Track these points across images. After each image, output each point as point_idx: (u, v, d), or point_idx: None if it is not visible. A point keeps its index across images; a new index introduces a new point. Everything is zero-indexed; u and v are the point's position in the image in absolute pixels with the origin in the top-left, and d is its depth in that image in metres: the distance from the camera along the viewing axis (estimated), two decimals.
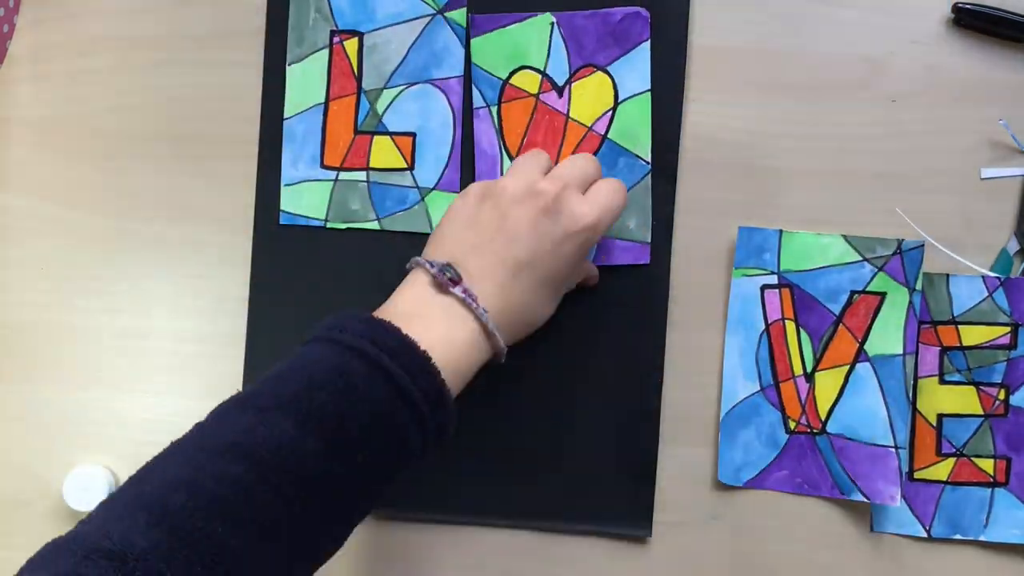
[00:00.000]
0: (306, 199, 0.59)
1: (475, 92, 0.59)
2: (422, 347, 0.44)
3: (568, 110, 0.59)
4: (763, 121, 0.59)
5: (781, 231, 0.58)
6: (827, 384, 0.58)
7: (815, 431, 0.58)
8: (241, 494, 0.39)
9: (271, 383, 0.43)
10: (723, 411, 0.59)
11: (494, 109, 0.59)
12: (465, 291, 0.47)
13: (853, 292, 0.58)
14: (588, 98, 0.58)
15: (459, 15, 0.59)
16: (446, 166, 0.59)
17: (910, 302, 0.57)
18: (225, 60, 0.60)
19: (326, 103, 0.59)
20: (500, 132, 0.59)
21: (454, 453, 0.59)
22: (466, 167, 0.59)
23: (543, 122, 0.59)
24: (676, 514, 0.59)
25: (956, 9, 0.58)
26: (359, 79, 0.59)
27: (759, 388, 0.58)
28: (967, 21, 0.58)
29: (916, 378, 0.58)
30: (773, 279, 0.58)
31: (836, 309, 0.58)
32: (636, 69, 0.58)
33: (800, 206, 0.59)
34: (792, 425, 0.58)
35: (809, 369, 0.58)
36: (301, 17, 0.59)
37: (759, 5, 0.59)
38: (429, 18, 0.59)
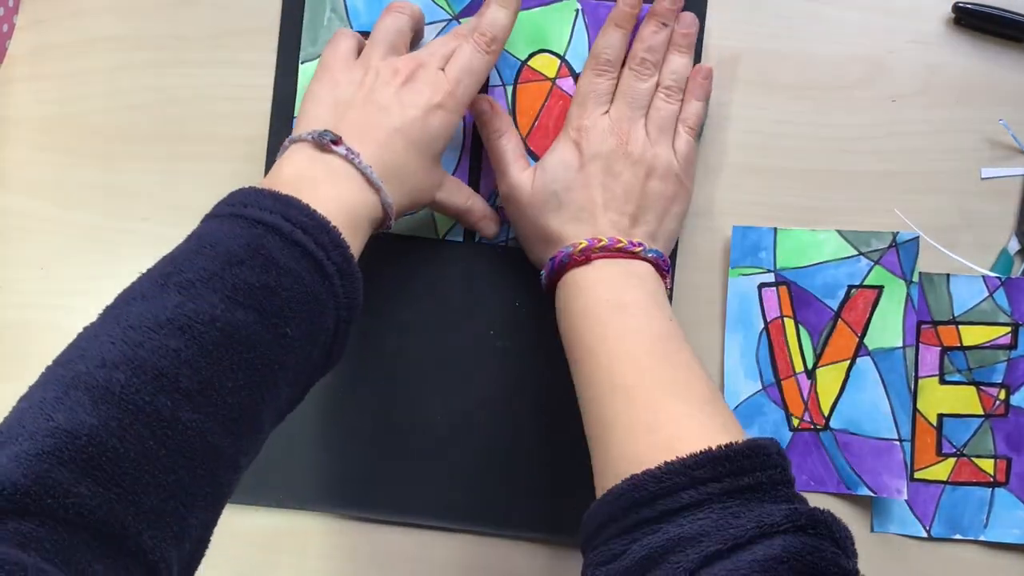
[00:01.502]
0: None
1: (492, 71, 0.58)
2: (327, 218, 0.45)
3: None
4: (763, 121, 0.59)
5: (776, 229, 0.58)
6: (828, 380, 0.58)
7: (819, 427, 0.58)
8: (184, 367, 0.38)
9: (187, 259, 0.43)
10: None
11: (509, 89, 0.59)
12: (348, 149, 0.48)
13: (850, 287, 0.58)
14: None
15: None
16: (455, 172, 0.59)
17: (908, 294, 0.57)
18: (225, 60, 0.60)
19: None
20: (513, 112, 0.59)
21: (439, 457, 0.59)
22: (474, 173, 0.59)
23: (556, 107, 0.59)
24: None
25: (956, 9, 0.58)
26: None
27: (761, 387, 0.58)
28: (967, 21, 0.58)
29: (917, 377, 0.58)
30: (770, 277, 0.58)
31: (834, 304, 0.58)
32: None
33: (800, 206, 0.59)
34: (795, 422, 0.58)
35: (810, 365, 0.58)
36: (316, 16, 0.59)
37: (759, 5, 0.59)
38: (444, 23, 0.59)
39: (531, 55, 0.59)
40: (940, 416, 0.58)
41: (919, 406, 0.58)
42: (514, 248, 0.59)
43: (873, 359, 0.58)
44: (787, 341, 0.58)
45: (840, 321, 0.58)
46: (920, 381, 0.58)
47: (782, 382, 0.58)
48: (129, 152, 0.60)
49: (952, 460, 0.58)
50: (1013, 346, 0.58)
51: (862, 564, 0.58)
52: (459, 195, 0.56)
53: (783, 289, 0.58)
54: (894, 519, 0.59)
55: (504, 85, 0.59)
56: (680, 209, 0.55)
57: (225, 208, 0.45)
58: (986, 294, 0.58)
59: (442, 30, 0.59)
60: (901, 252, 0.57)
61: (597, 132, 0.53)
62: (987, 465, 0.58)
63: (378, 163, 0.49)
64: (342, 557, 0.60)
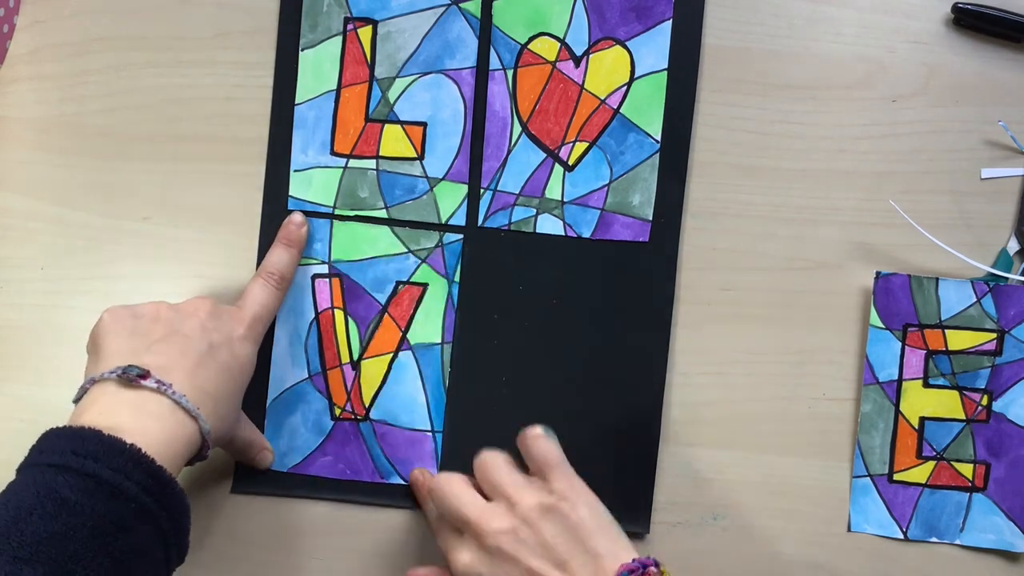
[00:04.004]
0: (315, 185, 0.60)
1: (492, 54, 0.59)
2: (128, 441, 0.43)
3: (583, 81, 0.59)
4: (763, 121, 0.59)
5: (332, 221, 0.59)
6: (372, 372, 0.60)
7: (359, 418, 0.59)
8: None
9: None
10: (269, 398, 0.59)
11: (509, 73, 0.59)
12: (157, 381, 0.47)
13: (398, 282, 0.59)
14: (605, 71, 0.59)
15: (474, 6, 0.59)
16: (456, 156, 0.59)
17: (449, 293, 0.59)
18: (225, 60, 0.60)
19: (338, 90, 0.60)
20: (513, 96, 0.59)
21: (452, 447, 0.59)
22: (475, 157, 0.59)
23: (557, 90, 0.59)
24: (676, 514, 0.59)
25: (956, 9, 0.58)
26: (372, 67, 0.59)
27: (307, 375, 0.60)
28: (967, 21, 0.59)
29: (901, 379, 0.58)
30: (324, 268, 0.60)
31: (382, 299, 0.59)
32: (655, 47, 0.59)
33: (799, 206, 0.59)
34: (337, 412, 0.60)
35: (356, 357, 0.60)
36: (315, 3, 0.59)
37: (759, 5, 0.59)
38: (444, 8, 0.59)
39: (531, 38, 0.59)
40: (922, 419, 0.59)
41: (902, 408, 0.59)
42: (515, 232, 0.59)
43: (414, 354, 0.59)
44: (336, 332, 0.60)
45: (386, 315, 0.59)
46: (904, 383, 0.59)
47: (328, 372, 0.60)
48: (129, 152, 0.60)
49: (932, 463, 0.59)
50: (998, 352, 0.58)
51: (839, 562, 0.59)
52: (249, 428, 0.57)
53: (336, 281, 0.59)
54: (871, 520, 0.59)
55: (504, 69, 0.59)
56: None
57: (25, 461, 0.44)
58: (974, 299, 0.58)
59: (441, 16, 0.59)
60: (446, 252, 0.59)
61: None
62: (966, 470, 0.58)
63: (191, 390, 0.48)
64: (344, 557, 0.60)
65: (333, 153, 0.60)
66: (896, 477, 0.59)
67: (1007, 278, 0.58)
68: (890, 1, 0.59)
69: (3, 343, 0.61)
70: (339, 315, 0.60)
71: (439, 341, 0.59)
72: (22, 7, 0.61)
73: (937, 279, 0.58)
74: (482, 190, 0.60)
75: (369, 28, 0.59)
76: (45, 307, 0.61)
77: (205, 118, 0.60)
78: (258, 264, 0.60)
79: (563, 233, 0.59)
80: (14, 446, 0.60)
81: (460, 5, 0.59)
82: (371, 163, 0.60)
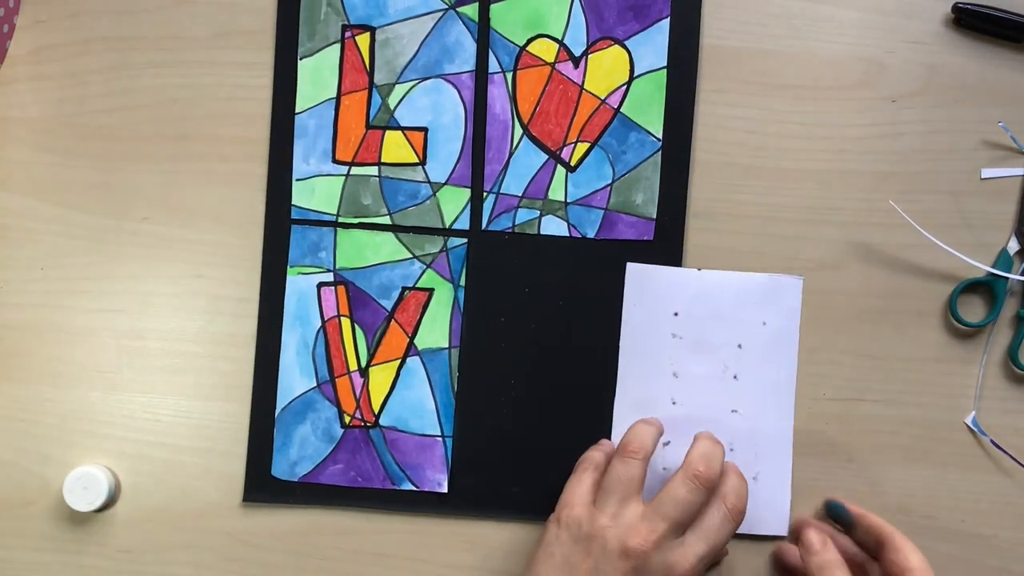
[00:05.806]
0: (318, 194, 0.60)
1: (491, 57, 0.59)
2: None
3: (583, 81, 0.59)
4: (763, 121, 0.60)
5: (336, 229, 0.60)
6: (380, 378, 0.60)
7: (369, 425, 0.60)
8: None
9: None
10: (278, 408, 0.60)
11: (509, 75, 0.59)
12: None
13: (404, 288, 0.59)
14: (604, 71, 0.59)
15: (471, 10, 0.59)
16: (457, 161, 0.59)
17: (455, 297, 0.59)
18: (225, 60, 0.60)
19: (338, 98, 0.60)
20: (513, 98, 0.59)
21: (462, 451, 0.59)
22: (477, 161, 0.59)
23: (557, 91, 0.59)
24: None
25: (956, 9, 0.58)
26: (371, 74, 0.59)
27: (315, 384, 0.60)
28: (967, 21, 0.59)
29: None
30: (329, 276, 0.60)
31: (388, 305, 0.60)
32: (654, 45, 0.59)
33: (799, 206, 0.59)
34: (347, 419, 0.60)
35: (363, 364, 0.60)
36: (313, 11, 0.59)
37: (759, 5, 0.59)
38: (441, 13, 0.59)
39: (529, 40, 0.59)
40: None
41: None
42: (519, 235, 0.59)
43: (421, 359, 0.59)
44: (343, 340, 0.60)
45: (393, 321, 0.59)
46: None
47: (336, 380, 0.60)
48: (129, 152, 0.60)
49: None
50: None
51: None
52: None
53: (341, 289, 0.60)
54: None
55: (504, 72, 0.59)
56: None
57: None
58: None
59: (439, 21, 0.59)
60: (451, 256, 0.59)
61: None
62: None
63: None
64: (346, 559, 0.60)
65: (335, 161, 0.60)
66: None
67: (1007, 278, 0.58)
68: (890, 1, 0.59)
69: (3, 343, 0.61)
70: (346, 323, 0.60)
71: (446, 346, 0.59)
72: (22, 7, 0.61)
73: None
74: (485, 193, 0.60)
75: (367, 35, 0.59)
76: (45, 307, 0.61)
77: (205, 118, 0.60)
78: (262, 265, 0.60)
79: (567, 234, 0.59)
80: (14, 446, 0.60)
81: (458, 9, 0.59)
82: (373, 170, 0.60)
